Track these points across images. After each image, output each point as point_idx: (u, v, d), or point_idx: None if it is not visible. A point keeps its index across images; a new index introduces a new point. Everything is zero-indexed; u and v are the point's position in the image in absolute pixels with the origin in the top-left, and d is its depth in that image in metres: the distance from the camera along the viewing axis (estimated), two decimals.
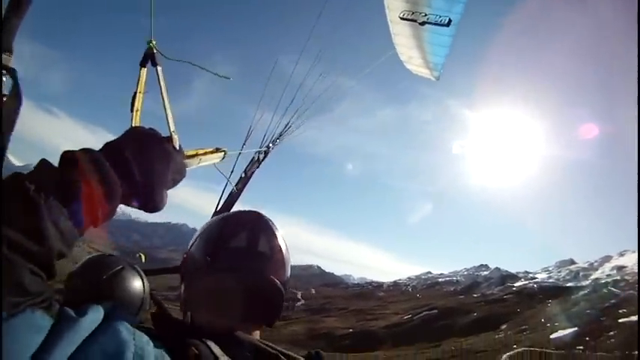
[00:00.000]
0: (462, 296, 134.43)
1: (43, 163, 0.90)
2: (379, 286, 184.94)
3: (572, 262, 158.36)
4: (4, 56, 1.01)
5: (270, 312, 1.50)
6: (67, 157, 0.93)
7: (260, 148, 3.56)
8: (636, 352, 35.64)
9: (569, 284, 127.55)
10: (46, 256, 0.83)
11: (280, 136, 3.77)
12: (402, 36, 5.87)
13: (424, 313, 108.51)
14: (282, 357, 1.23)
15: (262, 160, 3.57)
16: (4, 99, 0.94)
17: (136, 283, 2.15)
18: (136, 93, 1.43)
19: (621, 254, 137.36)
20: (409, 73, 6.51)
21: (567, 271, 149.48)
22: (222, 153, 1.83)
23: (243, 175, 3.22)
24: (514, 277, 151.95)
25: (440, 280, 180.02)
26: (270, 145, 3.60)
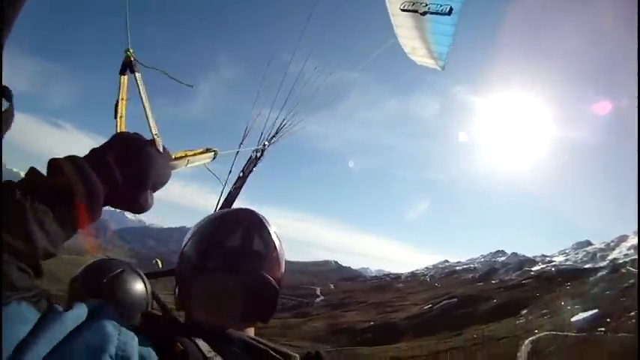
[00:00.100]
0: (480, 283, 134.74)
1: (32, 170, 0.98)
2: (397, 277, 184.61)
3: (589, 243, 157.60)
4: None
5: (264, 310, 1.53)
6: (53, 164, 1.00)
7: (257, 146, 3.54)
8: None
9: (586, 266, 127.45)
10: (33, 255, 0.91)
11: (276, 133, 3.69)
12: (404, 27, 5.85)
13: (444, 302, 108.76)
14: (271, 352, 1.24)
15: (259, 159, 3.54)
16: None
17: (137, 286, 2.24)
18: (118, 100, 1.48)
19: (637, 233, 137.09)
20: (414, 62, 6.45)
21: (584, 253, 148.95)
22: (213, 153, 1.87)
23: (241, 175, 3.21)
24: (531, 262, 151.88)
25: (457, 268, 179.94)
26: (266, 143, 3.54)
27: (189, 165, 1.64)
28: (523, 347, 60.13)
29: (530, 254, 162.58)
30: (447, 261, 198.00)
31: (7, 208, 0.89)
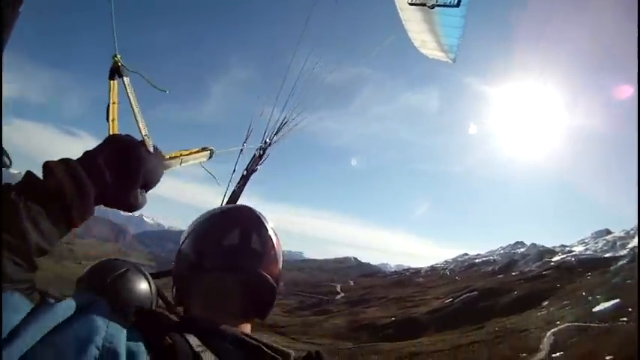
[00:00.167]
0: (500, 275, 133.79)
1: (28, 173, 1.05)
2: (417, 272, 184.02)
3: (608, 232, 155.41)
4: None
5: (262, 308, 1.55)
6: (47, 166, 1.05)
7: (260, 144, 3.53)
8: None
9: (607, 255, 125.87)
10: (26, 251, 0.96)
11: (278, 131, 3.62)
12: (413, 22, 5.86)
13: (464, 295, 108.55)
14: (263, 348, 1.25)
15: (262, 157, 3.51)
16: None
17: (142, 285, 2.27)
18: (109, 104, 1.52)
19: (637, 232, 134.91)
20: (425, 56, 6.49)
21: (604, 242, 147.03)
22: (209, 152, 1.90)
23: (244, 173, 3.22)
24: (551, 252, 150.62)
25: (477, 260, 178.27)
26: (267, 140, 3.50)
27: (183, 164, 1.67)
28: (545, 339, 60.10)
29: (549, 244, 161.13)
30: (466, 254, 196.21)
31: (4, 207, 0.94)
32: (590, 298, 78.57)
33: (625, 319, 58.77)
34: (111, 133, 1.45)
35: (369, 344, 78.03)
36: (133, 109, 1.50)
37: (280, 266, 1.61)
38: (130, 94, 1.52)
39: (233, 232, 1.52)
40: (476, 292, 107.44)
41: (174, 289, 1.60)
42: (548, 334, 62.08)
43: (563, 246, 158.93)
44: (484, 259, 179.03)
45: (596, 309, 69.22)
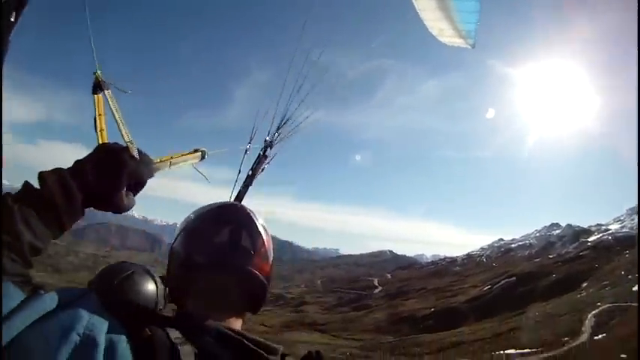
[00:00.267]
0: (537, 259, 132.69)
1: (25, 183, 1.19)
2: (453, 261, 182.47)
3: None
4: None
5: (253, 304, 1.60)
6: (41, 176, 1.19)
7: (265, 144, 3.42)
8: None
9: None
10: (21, 248, 1.10)
11: (278, 129, 3.52)
12: (428, 10, 5.73)
13: (502, 281, 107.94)
14: (245, 342, 1.28)
15: (264, 155, 3.39)
16: None
17: (148, 286, 2.34)
18: (95, 117, 1.59)
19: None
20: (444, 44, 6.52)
21: None
22: (200, 153, 1.97)
23: (250, 173, 3.21)
24: (587, 232, 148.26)
25: (513, 245, 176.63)
26: (267, 138, 3.42)
27: (172, 166, 1.75)
28: (587, 322, 59.92)
29: (585, 224, 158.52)
30: (501, 239, 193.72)
31: (2, 212, 1.08)
32: (629, 277, 77.83)
33: None
34: (100, 142, 1.54)
35: (410, 336, 78.47)
36: (115, 118, 1.59)
37: (271, 262, 1.65)
38: (112, 105, 1.61)
39: (223, 230, 1.54)
40: (514, 278, 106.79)
41: (167, 288, 1.71)
42: (589, 316, 61.72)
43: (598, 225, 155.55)
44: (520, 243, 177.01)
45: (636, 288, 68.40)
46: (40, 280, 1.33)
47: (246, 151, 3.17)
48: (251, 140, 3.28)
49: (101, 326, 1.04)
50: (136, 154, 1.41)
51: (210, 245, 1.52)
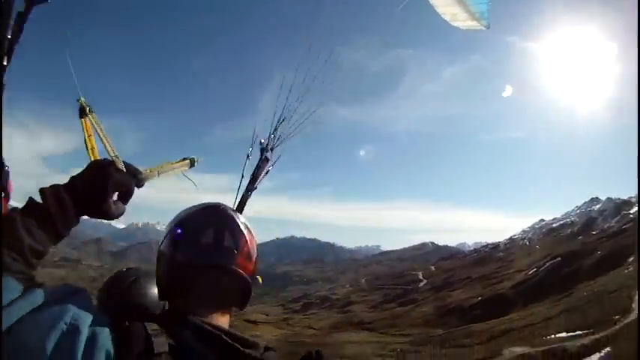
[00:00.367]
0: (580, 237, 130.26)
1: (30, 199, 1.37)
2: (496, 246, 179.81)
3: None
4: None
5: (238, 300, 1.72)
6: (41, 191, 1.37)
7: (260, 146, 3.34)
8: None
9: None
10: (21, 249, 1.26)
11: (275, 130, 3.43)
12: None
13: (547, 263, 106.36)
14: (224, 337, 1.38)
15: (265, 159, 3.32)
16: None
17: (153, 290, 2.43)
18: (85, 138, 1.76)
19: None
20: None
21: None
22: (189, 161, 2.06)
23: (251, 177, 3.20)
24: (629, 204, 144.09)
25: (554, 225, 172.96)
26: (262, 140, 3.34)
27: (161, 175, 1.84)
28: (636, 297, 59.12)
29: (625, 196, 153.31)
30: (542, 220, 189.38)
31: (7, 222, 1.27)
32: None
33: None
34: (92, 159, 1.69)
35: (460, 328, 78.18)
36: (100, 138, 1.73)
37: (254, 260, 1.74)
38: (96, 126, 1.76)
39: (207, 232, 1.63)
40: (558, 259, 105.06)
41: (158, 289, 1.78)
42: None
43: None
44: (561, 222, 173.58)
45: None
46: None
47: (248, 156, 3.18)
48: (252, 145, 3.27)
49: (86, 318, 1.19)
50: (121, 166, 1.55)
51: (195, 247, 1.62)
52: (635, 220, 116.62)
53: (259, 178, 3.17)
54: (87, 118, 1.77)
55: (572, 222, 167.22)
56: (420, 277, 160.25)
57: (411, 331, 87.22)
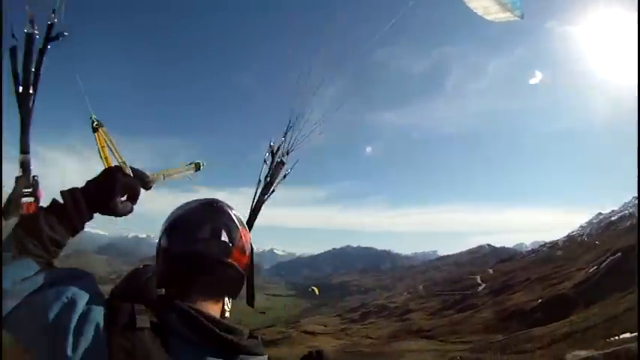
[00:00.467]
0: None
1: (52, 199, 1.59)
2: (554, 245, 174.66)
3: None
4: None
5: (232, 290, 1.83)
6: (62, 193, 1.58)
7: (269, 149, 3.42)
8: None
9: None
10: (41, 237, 1.48)
11: (286, 133, 3.44)
12: None
13: (608, 259, 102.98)
14: (203, 320, 1.52)
15: (281, 164, 3.39)
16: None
17: None
18: (99, 149, 2.00)
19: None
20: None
21: None
22: (194, 166, 2.25)
23: (266, 182, 3.25)
24: None
25: (613, 218, 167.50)
26: (272, 143, 3.40)
27: (166, 179, 2.02)
28: None
29: None
30: (600, 213, 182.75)
31: (32, 218, 1.53)
32: None
33: None
34: (105, 167, 1.93)
35: (521, 332, 76.30)
36: (110, 148, 1.98)
37: (249, 255, 1.88)
38: (106, 139, 2.01)
39: (205, 228, 1.74)
40: (619, 254, 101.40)
41: (156, 281, 1.87)
42: None
43: None
44: (620, 214, 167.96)
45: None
46: None
47: (264, 161, 3.26)
48: (272, 150, 3.34)
49: (83, 296, 1.41)
50: (128, 171, 1.74)
51: (193, 242, 1.72)
52: None
53: (275, 183, 3.30)
54: (99, 133, 2.06)
55: (630, 213, 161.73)
56: (479, 281, 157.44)
57: (471, 338, 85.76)
